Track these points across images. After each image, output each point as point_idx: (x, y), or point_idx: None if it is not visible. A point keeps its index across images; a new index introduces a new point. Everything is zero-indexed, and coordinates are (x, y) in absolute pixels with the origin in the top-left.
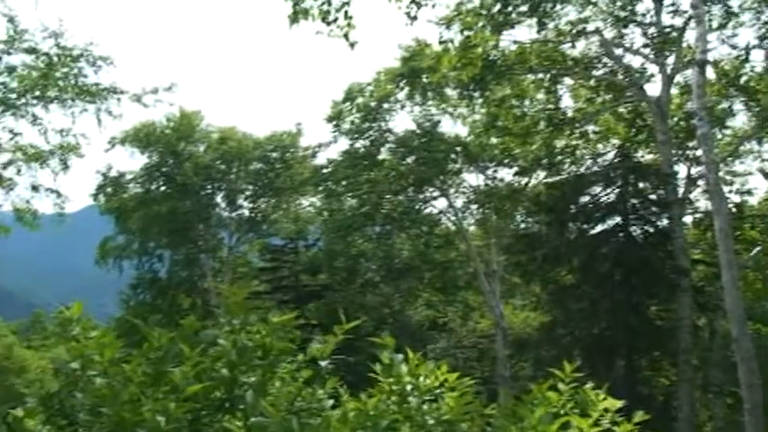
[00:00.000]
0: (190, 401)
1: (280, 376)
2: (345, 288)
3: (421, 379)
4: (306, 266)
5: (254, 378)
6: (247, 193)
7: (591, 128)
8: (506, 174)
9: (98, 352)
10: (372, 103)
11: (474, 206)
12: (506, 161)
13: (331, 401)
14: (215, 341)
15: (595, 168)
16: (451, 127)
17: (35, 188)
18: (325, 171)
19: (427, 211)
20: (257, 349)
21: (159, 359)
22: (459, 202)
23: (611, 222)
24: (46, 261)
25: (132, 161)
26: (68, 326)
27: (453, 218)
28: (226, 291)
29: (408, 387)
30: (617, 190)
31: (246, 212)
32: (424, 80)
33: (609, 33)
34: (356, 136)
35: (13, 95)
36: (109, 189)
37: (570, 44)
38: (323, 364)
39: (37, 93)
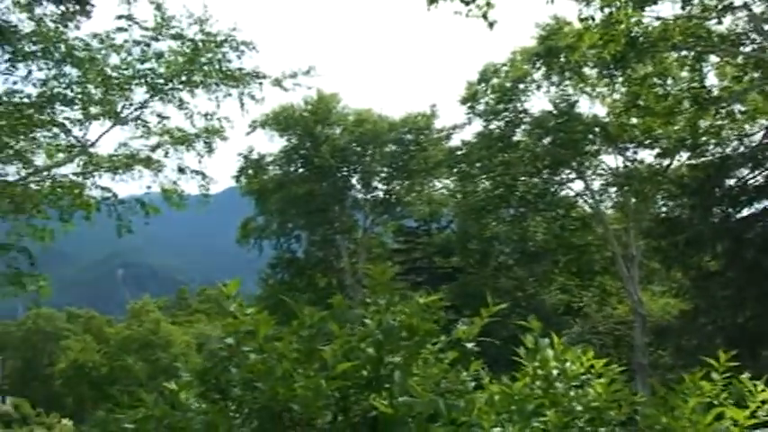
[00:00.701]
0: (338, 379)
1: (423, 357)
2: (478, 271)
3: (567, 364)
4: (439, 248)
5: (399, 358)
6: (382, 174)
7: (737, 107)
8: (647, 155)
9: (254, 328)
10: (508, 84)
11: (612, 189)
12: (647, 142)
13: (473, 383)
14: (361, 321)
15: (742, 149)
16: (589, 107)
17: (182, 170)
18: (459, 153)
19: (563, 193)
20: (403, 329)
21: (311, 337)
22: (596, 185)
23: (758, 206)
24: (189, 241)
25: (272, 144)
26: (226, 302)
27: (590, 200)
28: (371, 271)
29: (554, 372)
30: (765, 172)
31: (381, 194)
32: (562, 59)
33: (758, 8)
34: (491, 117)
35: (161, 81)
36: (250, 171)
37: (716, 20)
38: (469, 345)
39: (183, 78)
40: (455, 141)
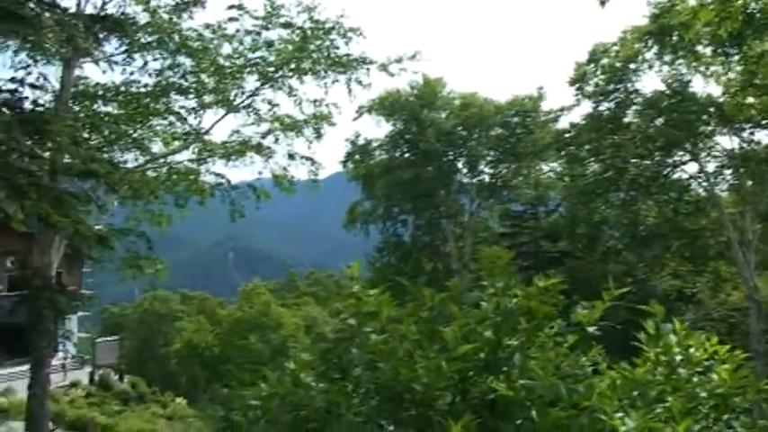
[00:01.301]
0: (458, 361)
1: (541, 340)
2: (586, 256)
3: (690, 350)
4: (546, 233)
5: (517, 341)
6: (488, 158)
7: None
8: (764, 135)
9: (376, 309)
10: (618, 64)
11: (727, 171)
12: (765, 122)
13: (591, 368)
14: (477, 303)
15: None
16: (703, 86)
17: (291, 156)
18: (567, 135)
19: (676, 176)
20: (522, 313)
21: (431, 318)
22: (710, 167)
23: None
24: (297, 224)
25: (378, 129)
26: (348, 283)
27: (704, 183)
28: (488, 254)
29: (677, 358)
30: None
31: (487, 178)
32: (675, 38)
33: None
34: (600, 98)
35: (272, 69)
36: (356, 156)
37: None
38: (590, 330)
39: (293, 65)
40: (563, 124)
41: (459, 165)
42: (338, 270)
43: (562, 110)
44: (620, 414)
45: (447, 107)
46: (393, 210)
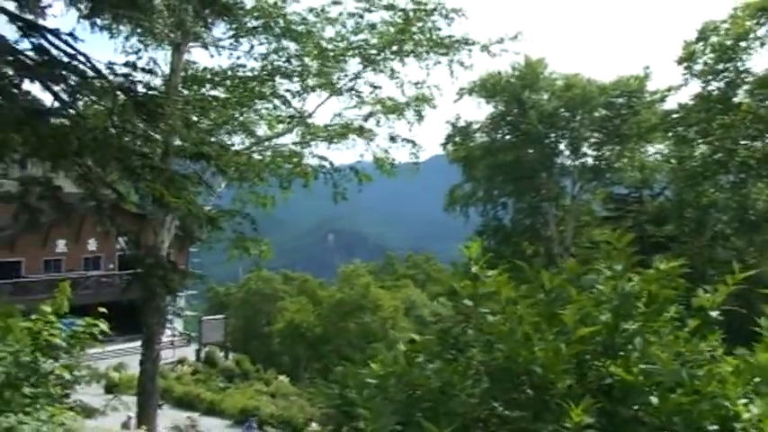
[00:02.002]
0: (576, 344)
1: (659, 325)
2: (693, 240)
3: None
4: (651, 217)
5: (635, 325)
6: (592, 140)
7: None
8: None
9: (495, 290)
10: (728, 42)
11: None
12: None
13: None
14: (592, 286)
15: None
16: None
17: (393, 138)
18: (674, 116)
19: None
20: (640, 296)
21: (550, 301)
22: None
23: None
24: (396, 207)
25: (479, 111)
26: (467, 264)
27: None
28: (608, 237)
29: None
30: None
31: (590, 160)
32: None
33: None
34: (709, 78)
35: (374, 51)
36: (457, 138)
37: None
38: (713, 314)
39: (395, 48)
40: (670, 104)
41: (562, 147)
42: (436, 253)
43: (669, 90)
44: (743, 400)
45: (549, 88)
46: (493, 192)
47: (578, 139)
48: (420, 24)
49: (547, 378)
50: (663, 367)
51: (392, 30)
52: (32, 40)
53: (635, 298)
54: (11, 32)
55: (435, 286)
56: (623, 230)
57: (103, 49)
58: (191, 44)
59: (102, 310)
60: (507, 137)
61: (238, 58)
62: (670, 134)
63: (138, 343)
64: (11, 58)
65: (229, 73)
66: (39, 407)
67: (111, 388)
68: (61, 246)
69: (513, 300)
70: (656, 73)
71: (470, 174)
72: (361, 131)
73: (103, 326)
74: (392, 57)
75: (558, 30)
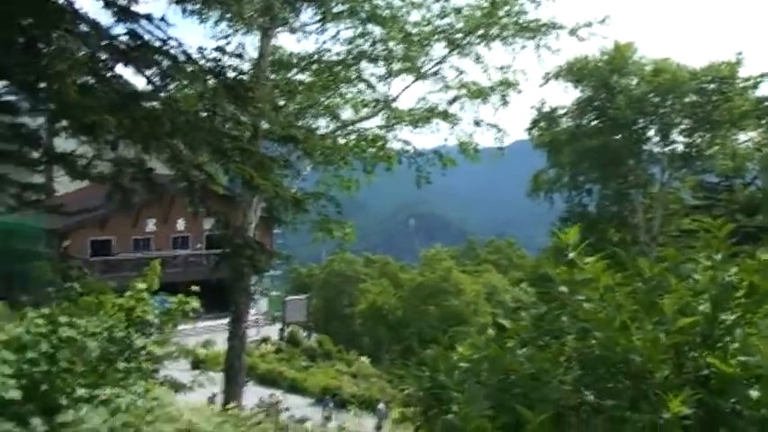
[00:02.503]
0: (675, 334)
1: (758, 317)
2: None
3: None
4: (742, 206)
5: (734, 316)
6: (681, 127)
7: None
8: None
9: (594, 277)
10: None
11: None
12: None
13: None
14: (690, 276)
15: None
16: None
17: (477, 123)
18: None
19: None
20: (740, 287)
21: (650, 289)
22: None
23: None
24: (477, 192)
25: (565, 96)
26: (563, 250)
27: None
28: (707, 225)
29: None
30: None
31: (680, 147)
32: None
33: None
34: None
35: (459, 35)
36: (542, 123)
37: None
38: None
39: (481, 32)
40: (763, 91)
41: (650, 133)
42: (518, 239)
43: (762, 76)
44: None
45: (638, 73)
46: (579, 179)
47: (668, 126)
48: (506, 8)
49: (645, 367)
50: (763, 359)
51: (478, 14)
52: (126, 25)
53: (734, 288)
54: (105, 18)
55: (517, 272)
56: (723, 219)
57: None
58: (278, 29)
59: (195, 288)
60: (594, 122)
61: (324, 42)
62: (763, 121)
63: (224, 321)
64: (105, 43)
65: (315, 57)
66: (132, 381)
67: (197, 364)
68: (151, 225)
69: (611, 287)
70: (748, 59)
71: (555, 159)
72: (445, 116)
73: (195, 303)
74: (478, 41)
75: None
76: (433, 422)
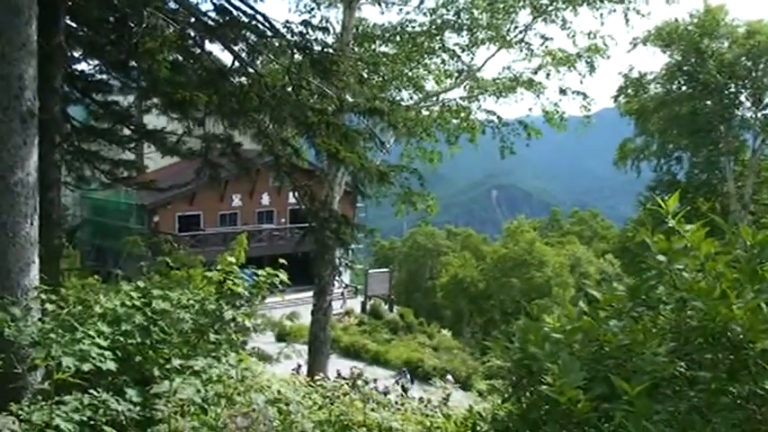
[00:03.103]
0: None
1: None
2: None
3: None
4: None
5: None
6: None
7: None
8: None
9: (694, 246)
10: None
11: None
12: None
13: None
14: None
15: None
16: None
17: (563, 91)
18: None
19: None
20: None
21: (752, 257)
22: None
23: None
24: (559, 163)
25: (653, 61)
26: (663, 218)
27: None
28: None
29: None
30: None
31: None
32: None
33: None
34: None
35: (545, 1)
36: (629, 90)
37: None
38: None
39: None
40: None
41: (742, 98)
42: (603, 210)
43: None
44: None
45: (730, 36)
46: (668, 146)
47: (761, 90)
48: None
49: (746, 337)
50: None
51: None
52: (214, 1)
53: None
54: None
55: (602, 243)
56: None
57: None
58: (362, 1)
59: (282, 261)
60: (683, 88)
61: (407, 13)
62: None
63: (308, 294)
64: (194, 19)
65: (399, 29)
66: (222, 352)
67: (282, 336)
68: (236, 200)
69: (711, 256)
70: None
71: (643, 127)
72: (530, 84)
73: (283, 276)
74: (564, 6)
75: None
76: (521, 393)
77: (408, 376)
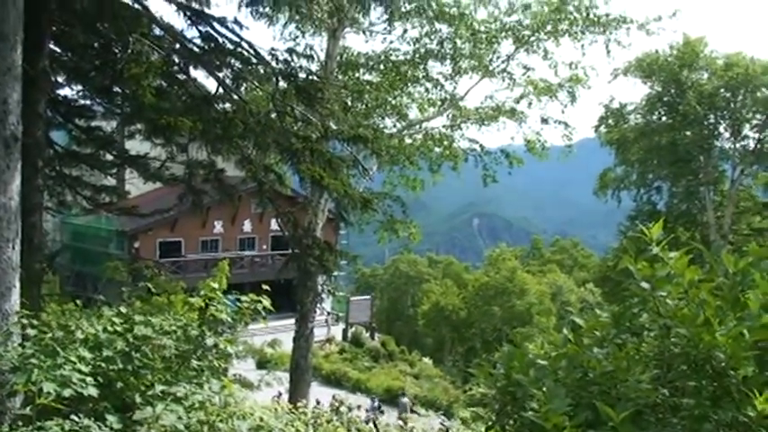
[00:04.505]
0: (758, 330)
1: None
2: None
3: None
4: None
5: None
6: (754, 122)
7: None
8: None
9: (676, 272)
10: None
11: None
12: None
13: None
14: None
15: None
16: None
17: (545, 120)
18: None
19: None
20: None
21: (734, 285)
22: None
23: None
24: (541, 192)
25: (634, 92)
26: (645, 246)
27: None
28: None
29: None
30: None
31: (752, 143)
32: None
33: None
34: None
35: (527, 32)
36: (610, 120)
37: None
38: None
39: (549, 27)
40: None
41: (721, 129)
42: (583, 239)
43: None
44: None
45: (709, 68)
46: (648, 176)
47: (739, 121)
48: (576, 3)
49: (728, 364)
50: None
51: (547, 9)
52: (200, 28)
53: None
54: (179, 22)
55: (582, 272)
56: None
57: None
58: (346, 30)
59: (265, 287)
60: (663, 118)
61: (391, 42)
62: None
63: (289, 321)
64: (179, 46)
65: (382, 57)
66: (204, 379)
67: (263, 363)
68: (218, 227)
69: (695, 283)
70: None
71: (623, 157)
72: (512, 114)
73: (266, 302)
74: (546, 37)
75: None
76: (506, 420)
77: (378, 404)
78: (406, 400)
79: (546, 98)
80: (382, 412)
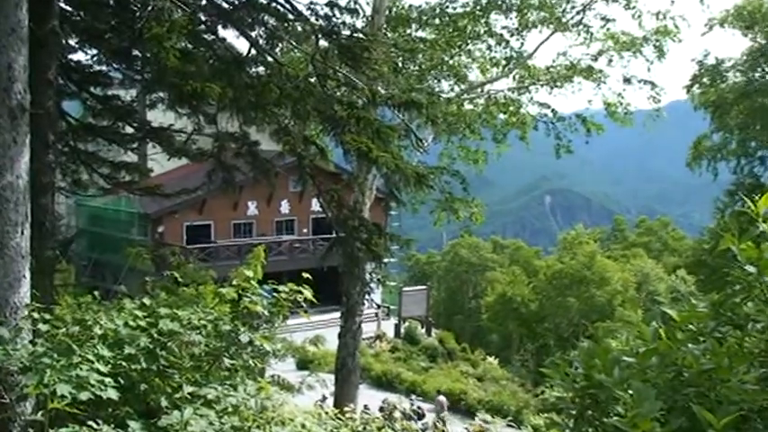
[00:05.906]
0: None
1: None
2: None
3: None
4: None
5: None
6: None
7: None
8: None
9: None
10: None
11: None
12: None
13: None
14: None
15: None
16: None
17: (627, 80)
18: None
19: None
20: None
21: None
22: None
23: None
24: (624, 163)
25: (733, 46)
26: (751, 225)
27: None
28: None
29: None
30: None
31: None
32: None
33: None
34: None
35: None
36: (705, 79)
37: None
38: None
39: None
40: None
41: None
42: (674, 218)
43: None
44: None
45: None
46: (750, 144)
47: None
48: None
49: None
50: None
51: None
52: None
53: None
54: None
55: (673, 257)
56: None
57: None
58: None
59: (306, 276)
60: None
61: None
62: None
63: (334, 315)
64: (205, 2)
65: (438, 10)
66: (239, 380)
67: (304, 364)
68: (252, 208)
69: None
70: None
71: (721, 122)
72: (589, 73)
73: (308, 293)
74: None
75: None
76: (586, 427)
77: (416, 406)
78: (442, 397)
79: (629, 54)
80: (422, 416)
